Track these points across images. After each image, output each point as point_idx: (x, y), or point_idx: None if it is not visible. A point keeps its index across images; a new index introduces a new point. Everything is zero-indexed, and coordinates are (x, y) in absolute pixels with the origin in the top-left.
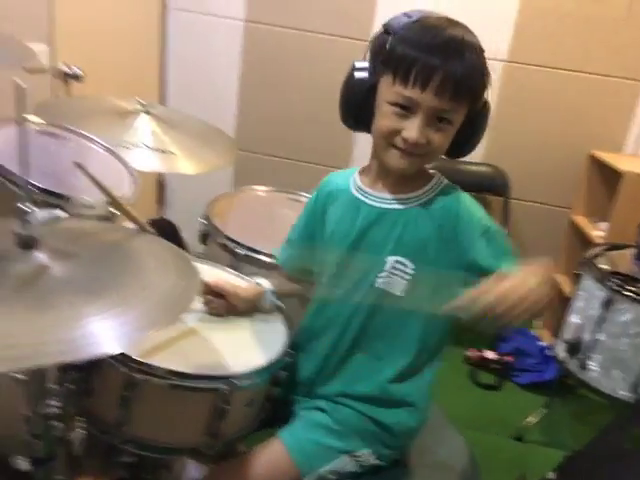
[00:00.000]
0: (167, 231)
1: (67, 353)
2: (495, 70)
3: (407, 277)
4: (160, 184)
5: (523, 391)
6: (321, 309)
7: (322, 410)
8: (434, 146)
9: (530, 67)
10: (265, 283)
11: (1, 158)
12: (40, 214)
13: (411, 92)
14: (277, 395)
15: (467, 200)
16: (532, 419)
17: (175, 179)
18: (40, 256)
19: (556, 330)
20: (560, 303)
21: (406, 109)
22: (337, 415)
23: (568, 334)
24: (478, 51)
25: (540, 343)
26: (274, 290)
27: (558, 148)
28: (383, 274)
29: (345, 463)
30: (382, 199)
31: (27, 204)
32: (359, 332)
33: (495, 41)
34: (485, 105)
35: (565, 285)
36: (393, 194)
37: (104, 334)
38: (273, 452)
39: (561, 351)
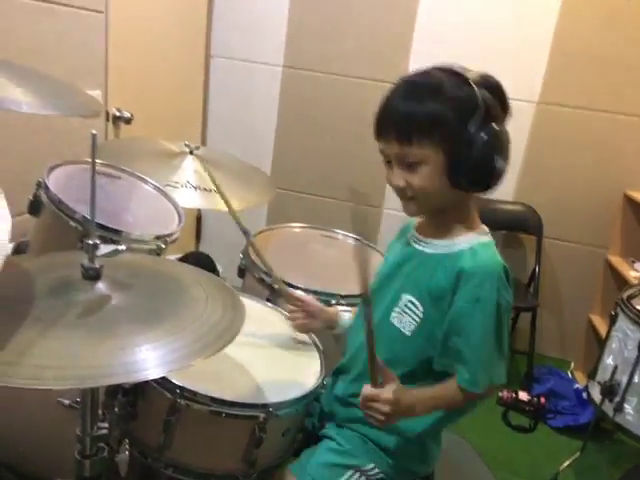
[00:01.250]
0: (205, 263)
1: (126, 375)
2: (527, 111)
3: (417, 319)
4: (198, 220)
5: (557, 434)
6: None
7: (329, 437)
8: (416, 187)
9: (562, 108)
10: (346, 314)
11: (61, 195)
12: (103, 248)
13: (379, 145)
14: (309, 425)
15: (484, 262)
16: (567, 463)
17: (211, 215)
18: (102, 287)
19: (591, 372)
20: (595, 344)
21: (388, 163)
22: (342, 437)
23: (603, 376)
24: (430, 92)
25: (576, 385)
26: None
27: (592, 188)
28: (396, 309)
29: (354, 478)
30: (418, 240)
31: (93, 239)
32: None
33: (527, 83)
34: (467, 137)
35: (600, 326)
36: (429, 237)
37: (158, 360)
38: None
39: (596, 393)
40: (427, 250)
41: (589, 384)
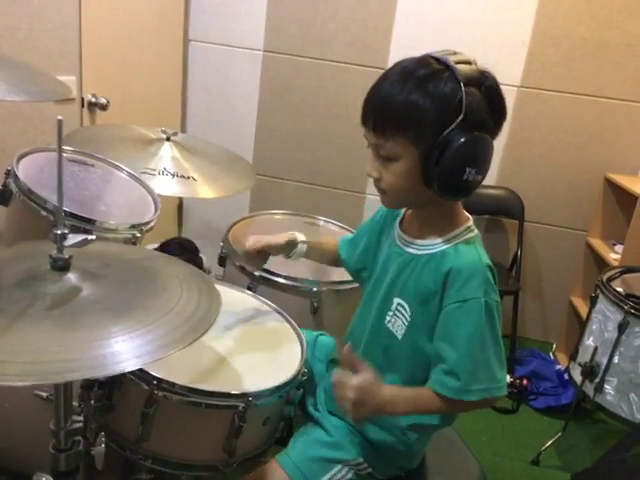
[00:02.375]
0: (187, 247)
1: (94, 370)
2: (508, 95)
3: (405, 322)
4: (179, 207)
5: (539, 415)
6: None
7: (315, 422)
8: (385, 182)
9: (544, 92)
10: (300, 237)
11: (31, 183)
12: (72, 238)
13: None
14: (290, 414)
15: (468, 262)
16: (549, 443)
17: (194, 203)
18: (72, 278)
19: (572, 353)
20: (577, 326)
21: (370, 148)
22: (329, 425)
23: (584, 357)
24: (414, 85)
25: (557, 366)
26: (306, 242)
27: (573, 171)
28: (389, 313)
29: (342, 472)
30: (405, 241)
31: (61, 229)
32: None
33: (508, 67)
34: (442, 142)
35: (581, 308)
36: (414, 238)
37: (130, 352)
38: (270, 472)
39: (577, 374)
40: (411, 251)
41: (570, 365)
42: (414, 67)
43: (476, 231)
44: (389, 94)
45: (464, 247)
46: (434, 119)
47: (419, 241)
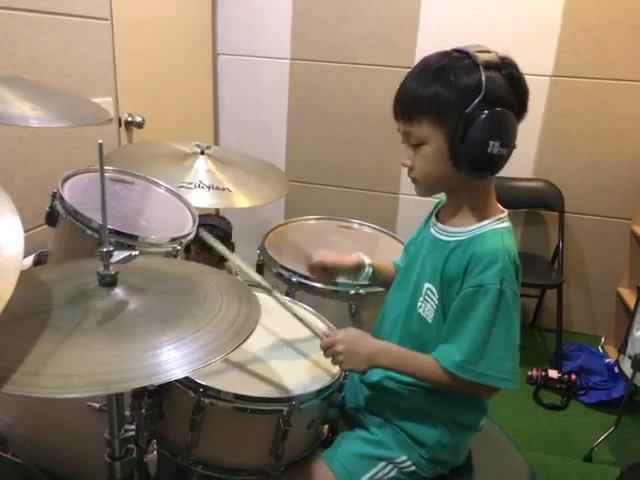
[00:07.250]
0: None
1: (151, 377)
2: (541, 85)
3: (434, 305)
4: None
5: (590, 410)
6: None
7: (359, 424)
8: (417, 169)
9: (578, 80)
10: (366, 259)
11: (77, 204)
12: (117, 255)
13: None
14: (333, 416)
15: (490, 249)
16: (601, 439)
17: (228, 214)
18: (119, 292)
19: (621, 346)
20: (626, 318)
21: (403, 143)
22: (371, 424)
23: (634, 349)
24: (435, 72)
25: (607, 360)
26: (372, 265)
27: (613, 158)
28: (420, 299)
29: (386, 470)
30: (438, 229)
31: (107, 247)
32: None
33: (539, 57)
34: (464, 119)
35: (629, 299)
36: (446, 224)
37: (180, 359)
38: (315, 469)
39: (627, 367)
40: (443, 238)
41: (620, 358)
42: (435, 59)
43: (508, 224)
44: (411, 85)
45: (490, 235)
46: (455, 100)
47: (451, 229)
